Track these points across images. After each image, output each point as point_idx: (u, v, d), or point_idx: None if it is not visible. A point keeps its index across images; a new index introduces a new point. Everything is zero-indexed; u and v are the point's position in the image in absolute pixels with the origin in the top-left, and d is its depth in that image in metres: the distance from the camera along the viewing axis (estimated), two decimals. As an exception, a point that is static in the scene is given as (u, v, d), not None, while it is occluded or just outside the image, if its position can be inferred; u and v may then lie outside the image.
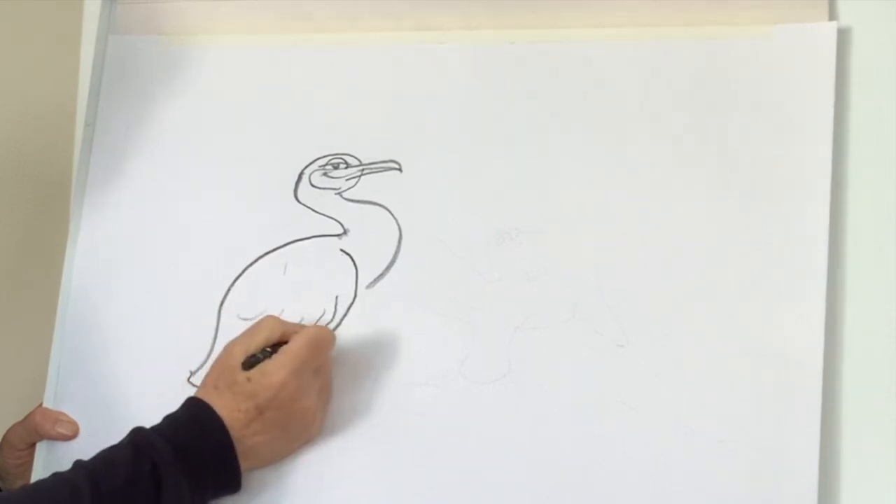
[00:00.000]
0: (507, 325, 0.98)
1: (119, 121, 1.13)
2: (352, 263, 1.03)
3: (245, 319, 1.03)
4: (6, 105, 1.16)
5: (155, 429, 0.92)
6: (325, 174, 1.06)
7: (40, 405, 1.07)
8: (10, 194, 1.18)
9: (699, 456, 0.92)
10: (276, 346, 0.95)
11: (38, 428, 1.04)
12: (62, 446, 1.03)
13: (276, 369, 0.93)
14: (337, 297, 1.02)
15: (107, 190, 1.11)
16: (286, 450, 0.97)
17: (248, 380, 0.93)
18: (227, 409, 0.92)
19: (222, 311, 1.05)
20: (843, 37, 0.96)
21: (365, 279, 1.02)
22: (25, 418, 1.06)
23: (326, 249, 1.04)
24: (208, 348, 1.04)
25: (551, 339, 0.97)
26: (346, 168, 1.06)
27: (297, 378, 0.93)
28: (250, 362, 0.94)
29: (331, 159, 1.06)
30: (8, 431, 1.06)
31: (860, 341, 0.94)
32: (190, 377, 1.03)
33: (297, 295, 1.03)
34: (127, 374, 1.05)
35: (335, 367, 1.00)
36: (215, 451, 0.92)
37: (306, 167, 1.07)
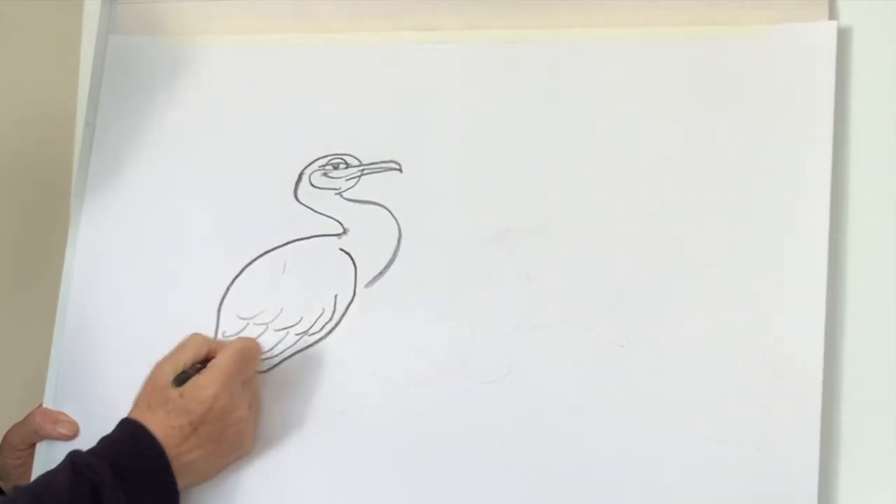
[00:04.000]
0: (507, 325, 0.98)
1: (119, 121, 1.13)
2: (351, 262, 1.03)
3: (244, 318, 1.03)
4: (6, 105, 1.16)
5: (92, 451, 0.92)
6: (325, 174, 1.06)
7: (40, 405, 1.07)
8: (10, 194, 1.18)
9: (699, 456, 0.92)
10: (204, 362, 0.96)
11: (38, 428, 1.04)
12: (62, 446, 1.03)
13: (207, 383, 0.94)
14: (336, 296, 1.02)
15: (107, 190, 1.11)
16: (221, 464, 0.97)
17: (181, 395, 0.94)
18: (162, 427, 0.93)
19: (222, 310, 1.05)
20: (843, 36, 0.96)
21: (364, 278, 1.02)
22: (25, 419, 1.06)
23: (326, 249, 1.04)
24: (207, 348, 1.04)
25: (551, 339, 0.97)
26: (346, 168, 1.06)
27: (229, 391, 0.94)
28: (181, 379, 0.95)
29: (331, 159, 1.06)
30: (8, 432, 1.06)
31: (860, 341, 0.94)
32: (190, 377, 1.04)
33: (296, 294, 1.03)
34: (127, 374, 1.05)
35: (334, 367, 1.00)
36: (152, 471, 0.92)
37: (306, 167, 1.07)
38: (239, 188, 1.08)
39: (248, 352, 0.97)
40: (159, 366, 0.97)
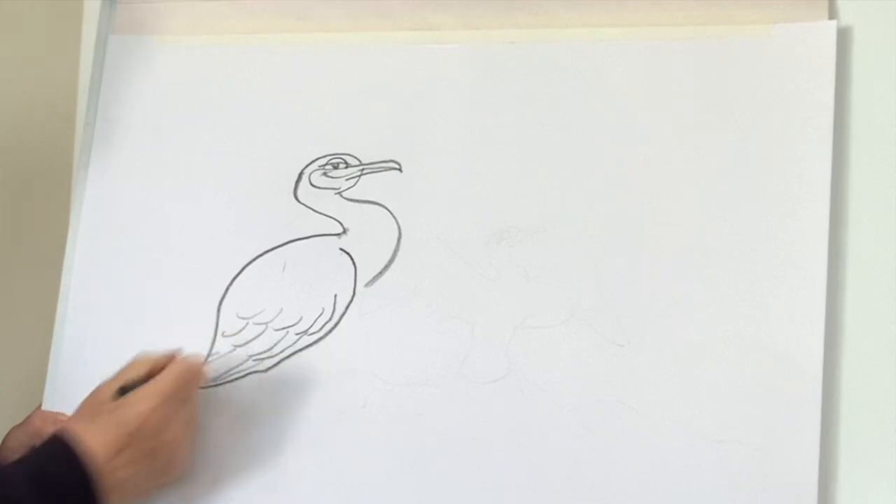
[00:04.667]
0: (507, 325, 0.98)
1: (119, 121, 1.13)
2: (351, 262, 1.03)
3: (244, 318, 1.03)
4: (6, 105, 1.16)
5: (14, 461, 0.90)
6: (324, 174, 1.06)
7: (39, 407, 1.07)
8: (10, 193, 1.18)
9: (699, 456, 0.92)
10: (147, 379, 0.96)
11: (39, 431, 1.03)
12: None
13: (143, 398, 0.93)
14: (335, 296, 1.02)
15: (106, 189, 1.11)
16: (152, 484, 0.96)
17: (117, 407, 0.93)
18: (96, 438, 0.91)
19: (221, 310, 1.05)
20: (843, 36, 0.96)
21: (364, 278, 1.02)
22: (25, 421, 1.06)
23: (326, 248, 1.04)
24: (208, 347, 1.04)
25: (551, 338, 0.97)
26: (346, 168, 1.06)
27: (164, 408, 0.94)
28: (122, 391, 0.95)
29: (331, 159, 1.06)
30: (7, 435, 1.06)
31: (860, 341, 0.94)
32: (189, 376, 1.04)
33: (296, 293, 1.03)
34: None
35: (333, 366, 1.00)
36: (75, 484, 0.89)
37: (306, 167, 1.07)
38: (239, 188, 1.08)
39: (190, 372, 0.97)
40: (102, 384, 0.97)
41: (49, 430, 1.02)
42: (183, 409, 0.96)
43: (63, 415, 1.04)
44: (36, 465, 0.90)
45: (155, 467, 0.94)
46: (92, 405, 0.95)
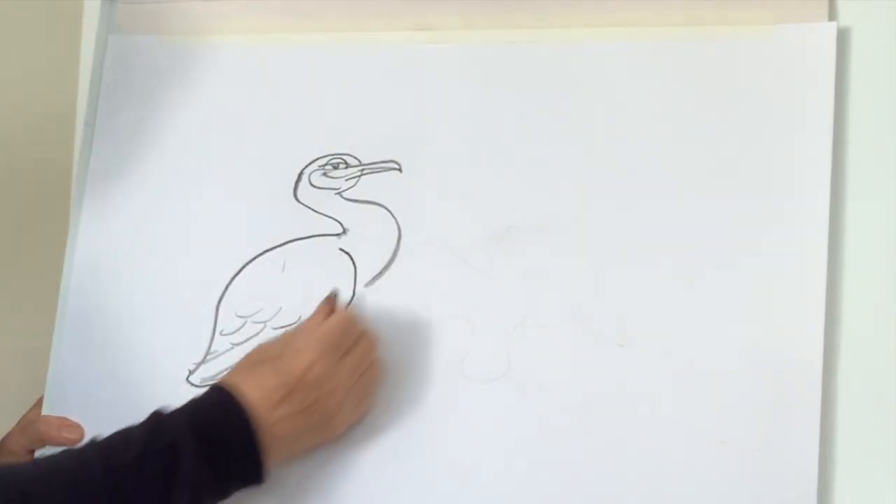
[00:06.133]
0: (507, 325, 0.98)
1: (119, 121, 1.13)
2: (351, 262, 1.03)
3: (242, 317, 1.03)
4: (6, 105, 1.16)
5: (176, 409, 0.89)
6: (324, 174, 1.06)
7: (35, 409, 1.07)
8: (10, 194, 1.18)
9: (699, 456, 0.92)
10: None
11: (43, 436, 1.03)
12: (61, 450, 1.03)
13: (305, 347, 0.91)
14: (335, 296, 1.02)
15: (106, 190, 1.12)
16: (309, 443, 0.94)
17: (277, 357, 0.91)
18: (256, 387, 0.89)
19: (220, 308, 1.05)
20: (843, 37, 0.96)
21: (364, 278, 1.02)
22: (25, 426, 1.06)
23: (325, 249, 1.04)
24: (206, 346, 1.04)
25: (551, 338, 0.97)
26: (346, 168, 1.06)
27: (327, 357, 0.91)
28: None
29: (330, 159, 1.06)
30: (6, 438, 1.05)
31: (860, 342, 0.94)
32: (188, 376, 1.04)
33: (295, 293, 1.03)
34: (126, 373, 1.05)
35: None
36: (238, 434, 0.88)
37: (306, 167, 1.07)
38: (238, 187, 1.08)
39: (349, 322, 0.95)
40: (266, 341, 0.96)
41: (53, 434, 1.02)
42: (346, 359, 0.94)
43: (66, 419, 1.04)
44: (199, 413, 0.89)
45: (313, 422, 0.92)
46: (251, 358, 0.93)
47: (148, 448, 0.85)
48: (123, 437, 0.87)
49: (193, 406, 0.90)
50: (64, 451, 0.88)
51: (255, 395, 0.89)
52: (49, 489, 0.82)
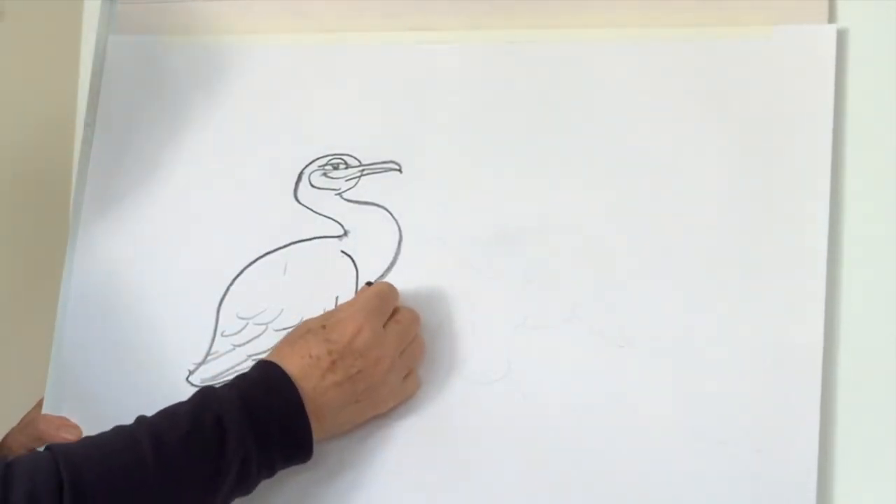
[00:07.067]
0: (507, 325, 0.98)
1: (119, 121, 1.13)
2: (352, 265, 1.03)
3: (244, 318, 1.03)
4: (6, 105, 1.16)
5: (223, 384, 0.90)
6: (324, 174, 1.06)
7: (36, 409, 1.07)
8: (10, 195, 1.18)
9: (699, 456, 0.92)
10: None
11: (42, 434, 1.03)
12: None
13: (347, 317, 0.93)
14: (337, 298, 1.02)
15: (106, 190, 1.12)
16: (355, 413, 0.94)
17: (321, 329, 0.92)
18: (299, 357, 0.91)
19: (221, 310, 1.05)
20: (843, 38, 0.96)
21: (365, 280, 1.02)
22: (25, 425, 1.06)
23: (327, 251, 1.04)
24: (207, 347, 1.04)
25: (551, 339, 0.97)
26: (346, 168, 1.06)
27: (371, 323, 0.92)
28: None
29: (331, 159, 1.06)
30: (6, 438, 1.06)
31: (860, 342, 0.94)
32: (189, 376, 1.04)
33: (297, 294, 1.03)
34: (126, 373, 1.05)
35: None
36: (284, 404, 0.89)
37: (306, 167, 1.07)
38: (239, 188, 1.08)
39: (387, 288, 0.97)
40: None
41: (52, 433, 1.02)
42: (390, 327, 0.94)
43: (66, 419, 1.04)
44: (245, 385, 0.89)
45: (360, 391, 0.92)
46: (295, 332, 0.94)
47: (196, 422, 0.86)
48: (170, 413, 0.88)
49: (239, 379, 0.91)
50: (113, 430, 0.88)
51: (301, 363, 0.90)
52: (101, 470, 0.83)
